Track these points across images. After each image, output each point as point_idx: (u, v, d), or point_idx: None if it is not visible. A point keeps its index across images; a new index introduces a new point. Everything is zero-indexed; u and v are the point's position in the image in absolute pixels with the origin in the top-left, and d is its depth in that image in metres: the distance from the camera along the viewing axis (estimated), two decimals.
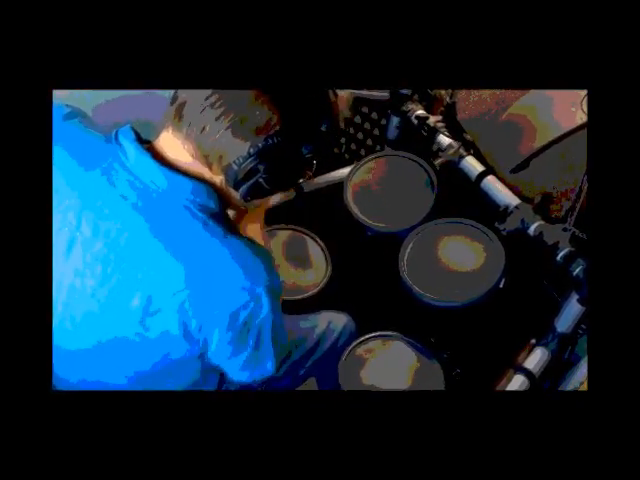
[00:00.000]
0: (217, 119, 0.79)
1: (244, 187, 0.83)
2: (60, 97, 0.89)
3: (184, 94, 0.81)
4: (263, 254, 0.86)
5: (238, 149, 0.80)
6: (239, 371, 0.93)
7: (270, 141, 0.79)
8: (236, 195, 0.85)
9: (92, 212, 0.84)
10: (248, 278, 0.83)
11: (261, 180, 0.82)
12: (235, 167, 0.81)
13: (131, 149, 0.84)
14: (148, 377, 0.92)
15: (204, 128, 0.80)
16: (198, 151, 0.82)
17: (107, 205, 0.83)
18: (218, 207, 0.86)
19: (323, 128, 0.84)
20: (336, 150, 1.89)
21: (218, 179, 0.85)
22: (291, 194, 1.56)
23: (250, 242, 0.87)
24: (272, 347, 0.91)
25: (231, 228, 0.86)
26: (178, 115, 0.82)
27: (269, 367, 0.93)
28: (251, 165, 0.81)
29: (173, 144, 0.84)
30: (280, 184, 0.86)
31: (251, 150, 0.80)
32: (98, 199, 0.84)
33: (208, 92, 0.79)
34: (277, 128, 0.79)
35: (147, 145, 0.85)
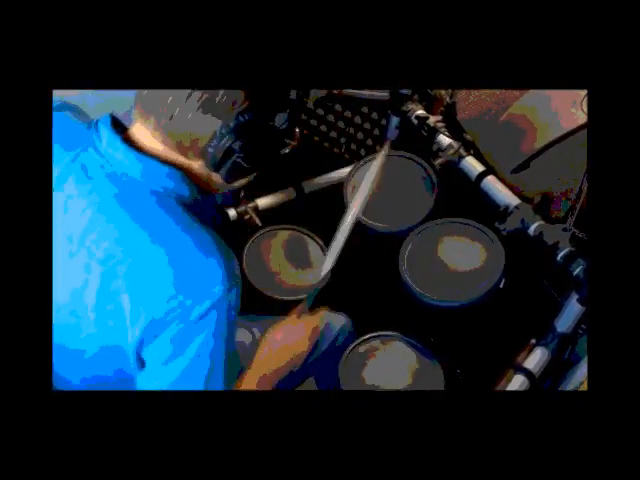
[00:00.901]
0: (186, 101, 0.79)
1: (224, 168, 0.84)
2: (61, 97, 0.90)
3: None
4: (226, 251, 0.85)
5: (210, 129, 0.80)
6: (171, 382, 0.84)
7: (242, 118, 0.80)
8: (217, 178, 0.86)
9: (63, 192, 0.85)
10: (210, 272, 0.81)
11: (239, 159, 0.83)
12: (211, 149, 0.82)
13: (106, 133, 0.85)
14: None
15: (173, 114, 0.80)
16: (170, 139, 0.83)
17: (76, 186, 0.85)
18: (191, 194, 0.86)
19: (293, 95, 0.84)
20: (336, 150, 1.89)
21: (196, 164, 0.85)
22: (291, 194, 1.56)
23: (216, 235, 0.86)
24: (223, 364, 0.85)
25: (201, 220, 0.86)
26: (143, 107, 0.83)
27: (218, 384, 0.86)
28: (226, 145, 0.81)
29: (144, 134, 0.84)
30: (259, 160, 0.86)
31: (223, 130, 0.80)
32: (69, 179, 0.85)
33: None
34: (247, 104, 0.80)
35: (123, 131, 0.86)
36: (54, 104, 0.91)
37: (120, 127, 0.87)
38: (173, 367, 0.83)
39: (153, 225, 0.83)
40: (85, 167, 0.85)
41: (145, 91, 0.82)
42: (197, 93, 0.79)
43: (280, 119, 0.84)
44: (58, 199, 0.85)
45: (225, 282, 0.82)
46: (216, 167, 0.84)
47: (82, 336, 0.88)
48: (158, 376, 0.85)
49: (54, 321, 0.86)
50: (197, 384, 0.84)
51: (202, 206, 0.90)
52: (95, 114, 0.92)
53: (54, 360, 0.85)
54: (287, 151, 0.90)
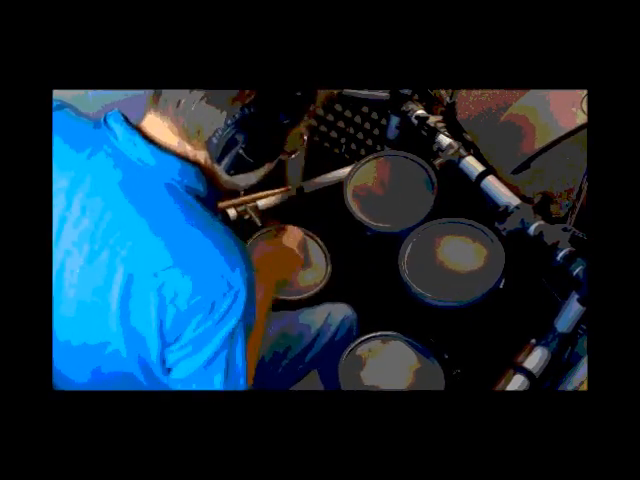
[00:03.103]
0: (191, 91, 0.79)
1: (226, 160, 0.83)
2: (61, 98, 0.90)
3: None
4: (241, 245, 0.86)
5: (215, 120, 0.80)
6: (203, 369, 0.86)
7: (246, 110, 0.80)
8: (220, 171, 0.85)
9: (81, 191, 0.84)
10: (229, 267, 0.82)
11: (241, 151, 0.82)
12: (215, 140, 0.81)
13: (120, 129, 0.84)
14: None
15: (179, 102, 0.80)
16: (178, 126, 0.82)
17: (94, 183, 0.84)
18: (205, 190, 0.86)
19: (298, 93, 0.83)
20: (336, 150, 1.89)
21: (202, 156, 0.85)
22: (291, 194, 1.56)
23: (231, 232, 0.86)
24: (243, 352, 0.87)
25: (216, 214, 0.86)
26: (155, 95, 0.83)
27: (241, 383, 0.89)
28: (229, 136, 0.81)
29: (156, 123, 0.84)
30: (262, 155, 0.86)
31: (228, 121, 0.80)
32: (86, 178, 0.84)
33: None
34: (252, 97, 0.79)
35: (135, 126, 0.86)
36: (54, 104, 0.91)
37: (129, 121, 0.86)
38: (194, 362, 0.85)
39: (173, 223, 0.82)
40: (101, 167, 0.84)
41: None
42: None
43: (284, 116, 0.83)
44: (75, 202, 0.84)
45: (245, 277, 0.82)
46: (219, 159, 0.84)
47: (105, 333, 0.86)
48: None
49: (74, 318, 0.86)
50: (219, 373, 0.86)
51: (213, 202, 0.90)
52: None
53: (63, 357, 0.86)
54: (294, 156, 0.90)
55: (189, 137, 0.83)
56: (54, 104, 0.91)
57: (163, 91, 0.82)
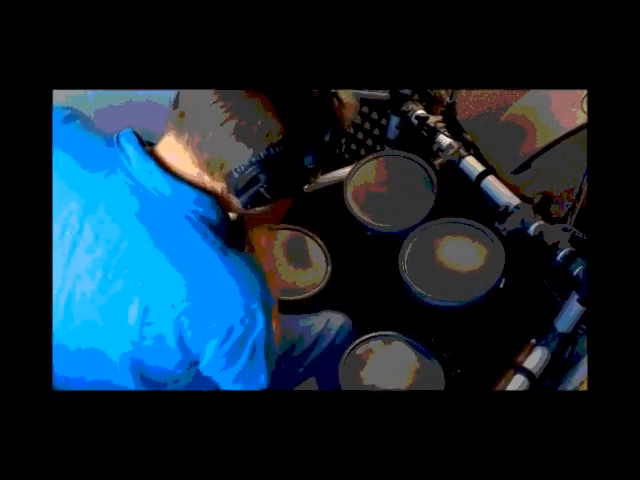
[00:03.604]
0: (221, 125, 0.77)
1: (245, 196, 0.82)
2: (61, 100, 0.90)
3: (186, 99, 0.80)
4: (258, 270, 0.86)
5: (240, 156, 0.79)
6: (232, 383, 0.93)
7: (272, 150, 0.78)
8: (237, 203, 0.84)
9: (94, 217, 0.83)
10: (244, 294, 0.83)
11: (262, 190, 0.81)
12: (236, 175, 0.80)
13: (134, 154, 0.83)
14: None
15: (207, 135, 0.78)
16: (200, 158, 0.81)
17: (109, 211, 0.83)
18: (219, 219, 0.85)
19: (326, 138, 0.82)
20: (336, 150, 1.89)
21: (219, 186, 0.84)
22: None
23: (247, 257, 0.86)
24: (265, 361, 0.91)
25: (231, 242, 0.86)
26: (181, 121, 0.80)
27: (262, 381, 0.94)
28: (253, 174, 0.79)
29: (175, 150, 0.82)
30: (281, 193, 0.85)
31: (253, 159, 0.78)
32: (100, 204, 0.83)
33: (212, 97, 0.77)
34: (280, 137, 0.78)
35: (149, 148, 0.85)
36: (62, 114, 0.89)
37: (142, 142, 0.85)
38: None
39: (189, 254, 0.82)
40: (116, 193, 0.83)
41: (187, 99, 0.80)
42: (234, 119, 0.77)
43: (309, 158, 0.82)
44: (87, 226, 0.83)
45: (262, 294, 0.84)
46: (237, 193, 0.82)
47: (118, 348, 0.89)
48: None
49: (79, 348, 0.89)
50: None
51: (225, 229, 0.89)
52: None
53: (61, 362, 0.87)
54: (306, 187, 0.89)
55: (211, 170, 0.81)
56: (64, 113, 0.90)
57: (189, 119, 0.79)
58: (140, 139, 0.85)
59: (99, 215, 0.83)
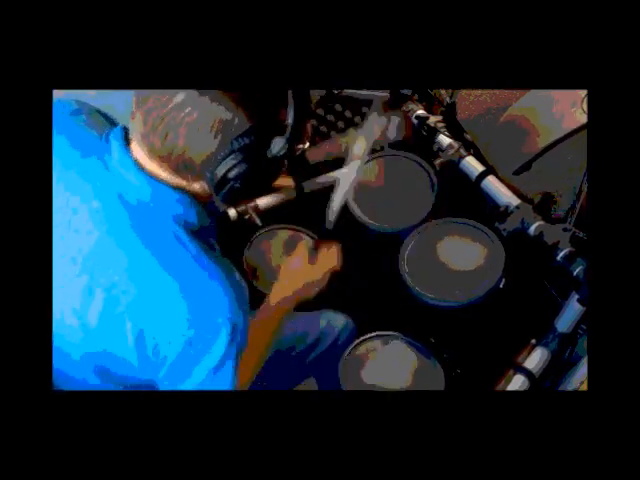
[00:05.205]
0: (177, 123, 0.76)
1: (222, 193, 0.81)
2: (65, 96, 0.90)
3: (144, 104, 0.78)
4: (235, 285, 0.85)
5: (204, 150, 0.77)
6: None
7: (236, 143, 0.77)
8: (217, 200, 0.83)
9: (68, 207, 0.84)
10: (210, 307, 0.81)
11: (237, 185, 0.79)
12: (208, 174, 0.79)
13: (116, 148, 0.83)
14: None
15: (167, 134, 0.77)
16: (166, 162, 0.80)
17: (85, 203, 0.84)
18: (197, 220, 0.85)
19: (291, 122, 0.78)
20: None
21: (197, 185, 0.83)
22: (291, 194, 1.56)
23: (227, 266, 0.85)
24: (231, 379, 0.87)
25: (208, 247, 0.85)
26: (142, 124, 0.79)
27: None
28: (223, 171, 0.78)
29: (143, 154, 0.82)
30: (256, 186, 0.83)
31: (219, 156, 0.77)
32: (76, 194, 0.84)
33: (170, 95, 0.76)
34: (244, 129, 0.76)
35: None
36: (71, 107, 0.90)
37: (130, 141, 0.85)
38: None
39: (164, 254, 0.82)
40: (96, 184, 0.83)
41: (138, 113, 0.79)
42: (192, 116, 0.75)
43: (278, 145, 0.79)
44: (65, 213, 0.84)
45: (233, 312, 0.82)
46: (215, 191, 0.81)
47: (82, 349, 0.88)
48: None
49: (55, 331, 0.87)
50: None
51: (208, 229, 0.89)
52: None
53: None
54: (299, 153, 0.88)
55: (181, 170, 0.81)
56: (73, 107, 0.91)
57: (149, 120, 0.77)
58: (128, 136, 0.84)
59: (73, 204, 0.84)
